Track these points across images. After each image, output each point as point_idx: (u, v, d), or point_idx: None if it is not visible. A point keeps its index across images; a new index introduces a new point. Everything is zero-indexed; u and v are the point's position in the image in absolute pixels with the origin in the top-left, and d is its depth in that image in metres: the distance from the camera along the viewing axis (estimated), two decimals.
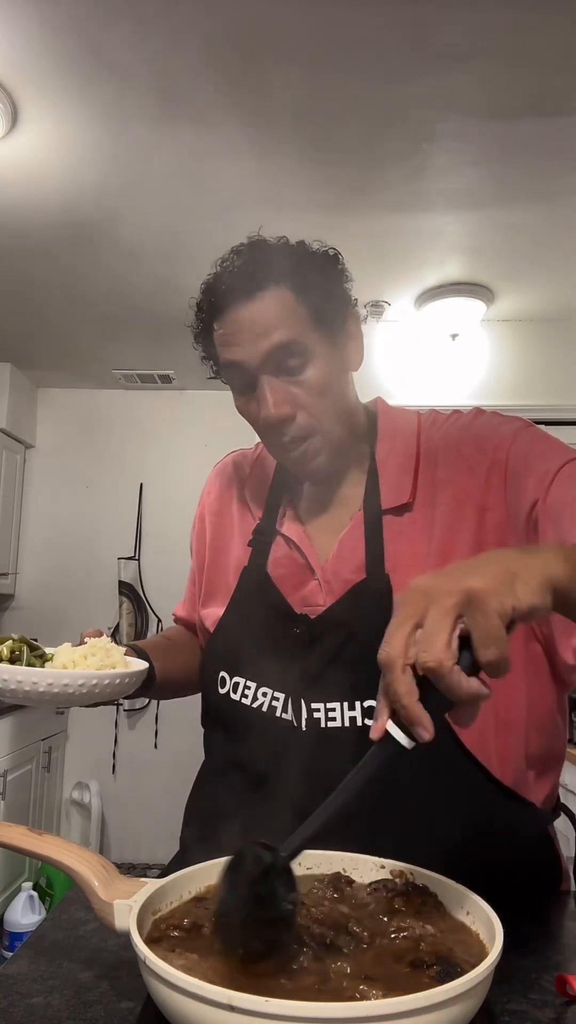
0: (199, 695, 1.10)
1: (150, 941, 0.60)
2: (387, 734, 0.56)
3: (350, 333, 0.96)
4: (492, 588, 0.53)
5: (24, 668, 0.83)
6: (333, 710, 0.87)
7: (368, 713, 0.86)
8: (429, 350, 3.50)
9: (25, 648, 0.89)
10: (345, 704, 0.87)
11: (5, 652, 0.87)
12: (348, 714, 0.87)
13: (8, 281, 3.15)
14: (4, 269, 3.04)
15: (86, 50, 1.89)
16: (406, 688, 0.54)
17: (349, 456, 0.99)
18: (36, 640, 0.95)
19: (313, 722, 0.88)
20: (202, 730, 1.08)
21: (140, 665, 0.92)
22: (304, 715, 0.88)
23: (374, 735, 0.57)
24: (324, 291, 0.92)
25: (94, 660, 0.87)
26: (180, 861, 0.95)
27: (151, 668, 0.99)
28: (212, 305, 0.93)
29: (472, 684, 0.54)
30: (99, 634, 0.92)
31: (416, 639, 0.54)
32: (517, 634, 0.85)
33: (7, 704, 3.32)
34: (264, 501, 1.05)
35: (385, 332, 3.49)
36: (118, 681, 0.86)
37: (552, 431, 0.96)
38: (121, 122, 2.16)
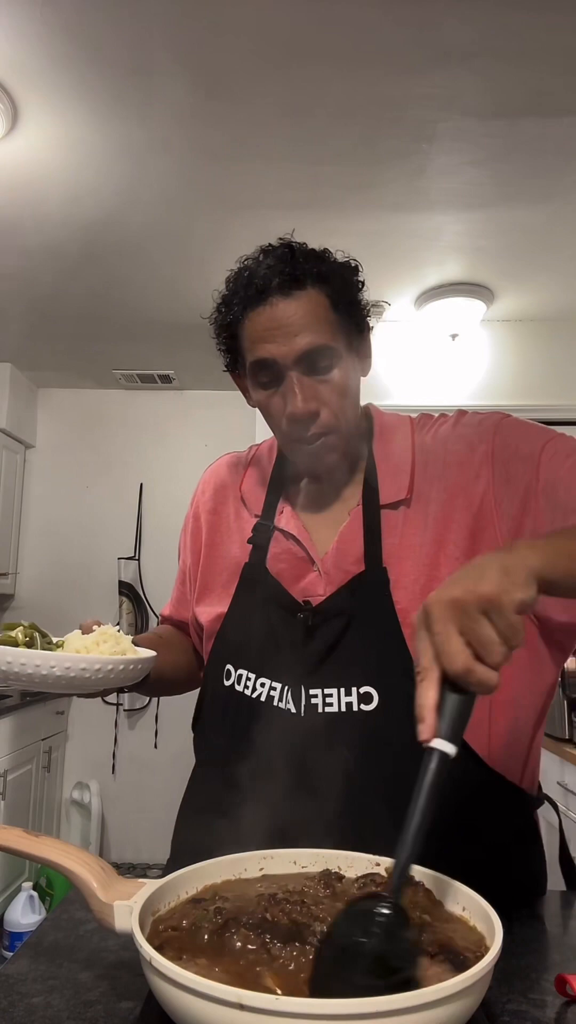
0: (191, 695, 1.12)
1: (153, 945, 0.59)
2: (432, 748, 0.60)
3: (364, 341, 1.02)
4: (502, 588, 0.61)
5: (40, 652, 0.84)
6: (331, 696, 0.91)
7: (364, 699, 0.90)
8: (429, 350, 3.50)
9: (37, 635, 0.89)
10: (342, 690, 0.91)
11: (20, 637, 0.87)
12: (345, 699, 0.90)
13: (8, 281, 3.15)
14: (4, 269, 3.04)
15: (86, 50, 1.89)
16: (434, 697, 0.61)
17: (351, 455, 1.03)
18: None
19: (311, 708, 0.91)
20: None
21: (148, 653, 0.93)
22: (303, 701, 0.92)
23: (426, 735, 0.60)
24: (350, 298, 0.98)
25: (106, 647, 0.88)
26: (172, 866, 0.97)
27: None
28: (246, 298, 0.95)
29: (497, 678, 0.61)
30: (98, 624, 0.93)
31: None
32: None
33: (7, 704, 3.32)
34: (262, 500, 1.08)
35: (385, 332, 3.49)
36: (131, 667, 0.87)
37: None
38: (121, 122, 2.16)
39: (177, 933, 0.62)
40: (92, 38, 1.85)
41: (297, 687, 0.93)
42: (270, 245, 0.99)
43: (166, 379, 4.25)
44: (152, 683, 1.03)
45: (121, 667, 0.86)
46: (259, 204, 2.51)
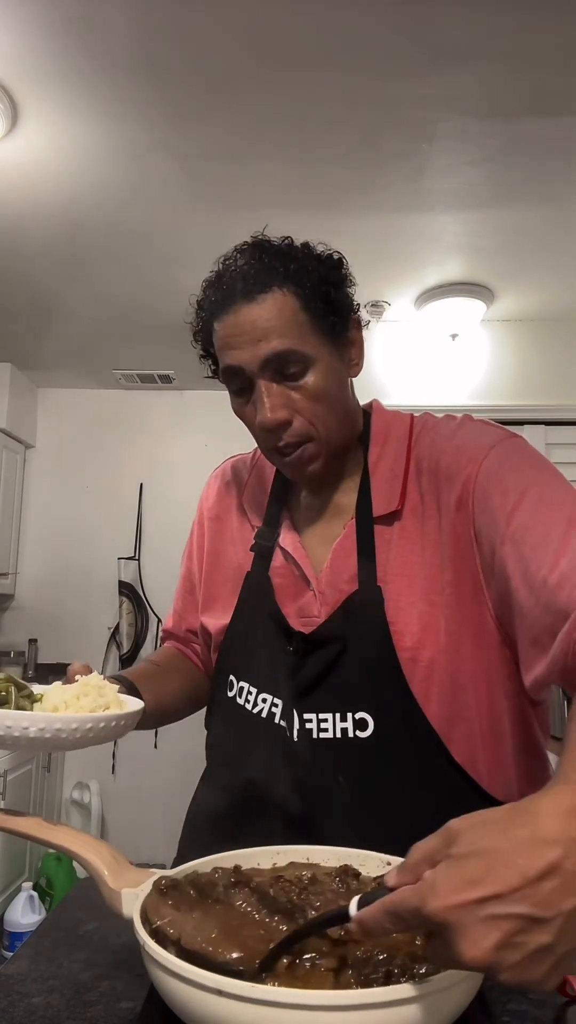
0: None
1: (164, 884, 0.64)
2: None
3: (351, 339, 0.95)
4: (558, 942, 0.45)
5: (12, 712, 0.77)
6: (325, 721, 0.88)
7: (359, 725, 0.86)
8: (429, 350, 3.50)
9: (13, 688, 0.82)
10: (337, 715, 0.88)
11: None
12: (340, 725, 0.87)
13: (8, 281, 3.15)
14: (4, 269, 3.04)
15: (86, 50, 1.89)
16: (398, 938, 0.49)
17: (345, 462, 0.98)
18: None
19: (305, 732, 0.88)
20: (203, 731, 1.08)
21: (136, 705, 0.86)
22: (296, 725, 0.89)
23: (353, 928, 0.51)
24: (327, 295, 0.90)
25: (87, 701, 0.81)
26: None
27: None
28: (213, 304, 0.91)
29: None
30: (87, 670, 0.87)
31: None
32: (496, 644, 0.86)
33: None
34: (263, 508, 1.04)
35: (385, 332, 3.49)
36: (113, 724, 0.80)
37: (552, 431, 0.97)
38: (121, 122, 2.16)
39: (191, 885, 0.65)
40: (92, 38, 1.85)
41: (290, 710, 0.89)
42: (245, 244, 0.93)
43: (166, 379, 4.25)
44: (148, 718, 0.97)
45: (102, 725, 0.78)
46: (259, 204, 2.52)
